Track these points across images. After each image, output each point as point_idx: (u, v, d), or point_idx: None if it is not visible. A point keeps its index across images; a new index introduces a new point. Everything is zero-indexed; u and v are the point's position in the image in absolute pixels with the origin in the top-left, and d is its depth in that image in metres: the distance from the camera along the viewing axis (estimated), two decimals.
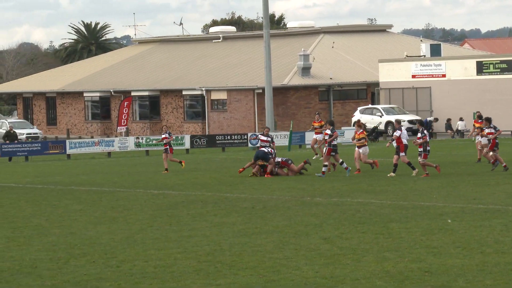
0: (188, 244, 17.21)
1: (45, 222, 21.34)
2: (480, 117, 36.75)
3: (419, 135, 29.08)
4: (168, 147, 34.18)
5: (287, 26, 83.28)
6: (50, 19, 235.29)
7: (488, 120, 30.63)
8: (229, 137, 53.79)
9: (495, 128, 30.43)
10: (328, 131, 30.33)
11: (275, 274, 13.97)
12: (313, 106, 65.06)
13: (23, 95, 75.87)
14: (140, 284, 13.49)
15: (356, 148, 31.35)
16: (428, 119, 59.15)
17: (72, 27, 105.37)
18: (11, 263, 15.60)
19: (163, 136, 34.65)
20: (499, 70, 61.34)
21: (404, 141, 29.84)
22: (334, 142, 30.25)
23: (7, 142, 50.15)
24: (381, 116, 59.79)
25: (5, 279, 14.18)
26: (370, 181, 28.42)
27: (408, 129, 59.73)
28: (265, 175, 30.85)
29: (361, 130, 31.09)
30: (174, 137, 37.39)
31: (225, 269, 14.51)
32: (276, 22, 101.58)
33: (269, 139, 32.07)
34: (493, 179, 26.83)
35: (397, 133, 29.80)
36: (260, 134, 35.78)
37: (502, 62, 61.30)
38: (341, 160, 30.52)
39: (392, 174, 29.40)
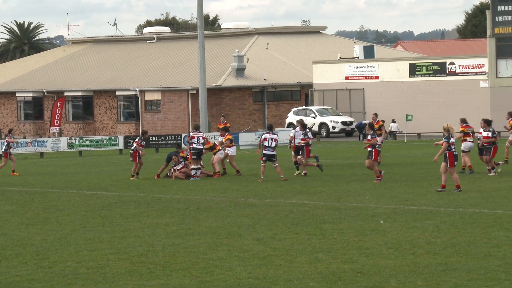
0: (121, 245, 17.26)
1: None
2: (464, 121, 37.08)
3: (368, 137, 29.30)
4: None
5: (222, 27, 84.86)
6: None
7: (488, 122, 30.05)
8: (163, 138, 54.07)
9: (493, 132, 30.04)
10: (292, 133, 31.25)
11: (209, 275, 13.99)
12: (247, 107, 66.06)
13: None
14: (73, 285, 13.48)
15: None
16: (363, 122, 60.03)
17: (5, 27, 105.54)
18: None
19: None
20: (431, 72, 62.72)
21: (298, 140, 30.53)
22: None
23: None
24: (314, 118, 60.84)
25: None
26: (304, 182, 28.64)
27: (341, 130, 61.13)
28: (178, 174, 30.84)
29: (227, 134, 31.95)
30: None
31: (158, 270, 14.49)
32: (210, 23, 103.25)
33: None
34: (425, 181, 27.18)
35: (291, 133, 30.84)
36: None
37: (434, 64, 62.71)
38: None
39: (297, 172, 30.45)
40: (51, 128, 63.28)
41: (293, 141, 31.10)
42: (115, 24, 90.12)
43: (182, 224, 20.01)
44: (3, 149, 37.70)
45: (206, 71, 54.82)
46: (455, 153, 24.88)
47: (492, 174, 29.49)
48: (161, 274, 14.19)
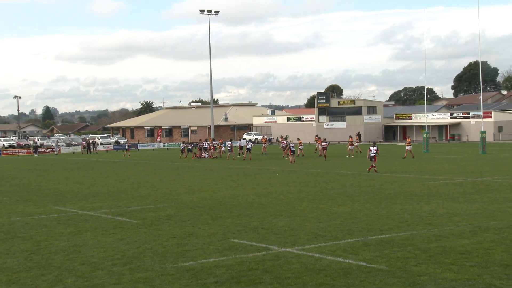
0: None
1: None
2: None
3: None
4: None
5: (219, 103, 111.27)
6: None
7: None
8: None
9: None
10: None
11: (214, 193, 18.22)
12: (228, 132, 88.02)
13: None
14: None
15: None
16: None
17: (141, 103, 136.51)
18: None
19: None
20: (297, 119, 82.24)
21: None
22: None
23: None
24: (253, 136, 77.72)
25: None
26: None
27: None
28: None
29: None
30: None
31: (199, 191, 18.02)
32: (215, 101, 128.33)
33: None
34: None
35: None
36: None
37: (296, 117, 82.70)
38: None
39: None
40: (156, 139, 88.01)
41: None
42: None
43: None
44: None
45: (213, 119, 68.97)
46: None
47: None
48: (196, 193, 17.56)
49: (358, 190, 19.76)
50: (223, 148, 41.85)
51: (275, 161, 35.23)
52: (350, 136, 43.06)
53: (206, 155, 38.91)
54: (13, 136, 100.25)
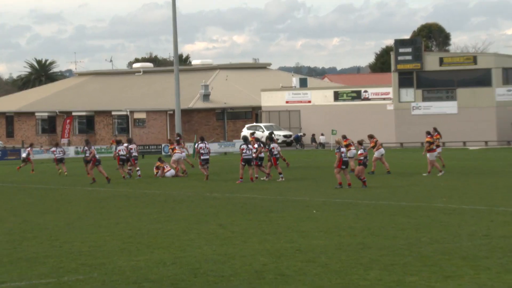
0: (115, 229, 21.54)
1: (3, 212, 27.12)
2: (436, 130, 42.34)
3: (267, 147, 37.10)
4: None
5: (192, 63, 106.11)
6: (11, 56, 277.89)
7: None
8: (147, 147, 67.72)
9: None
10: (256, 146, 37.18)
11: (182, 252, 17.83)
12: (211, 124, 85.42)
13: None
14: (78, 260, 17.22)
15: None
16: (299, 134, 77.15)
17: (27, 63, 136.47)
18: None
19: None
20: (350, 98, 77.06)
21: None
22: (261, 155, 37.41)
23: None
24: (263, 132, 76.87)
25: None
26: (256, 181, 36.22)
27: (283, 141, 75.30)
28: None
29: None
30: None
31: (144, 248, 18.43)
32: (183, 60, 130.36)
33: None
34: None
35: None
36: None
37: (352, 91, 77.66)
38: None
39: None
40: (61, 139, 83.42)
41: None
42: (111, 61, 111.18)
43: (162, 213, 25.19)
44: (25, 155, 48.38)
45: (180, 97, 68.99)
46: (344, 159, 31.63)
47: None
48: (146, 251, 17.97)
49: (483, 245, 18.25)
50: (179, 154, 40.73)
51: (314, 183, 33.46)
52: (429, 133, 38.50)
53: (167, 172, 39.69)
54: None
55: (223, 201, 28.87)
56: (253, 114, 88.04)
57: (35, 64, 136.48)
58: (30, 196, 32.85)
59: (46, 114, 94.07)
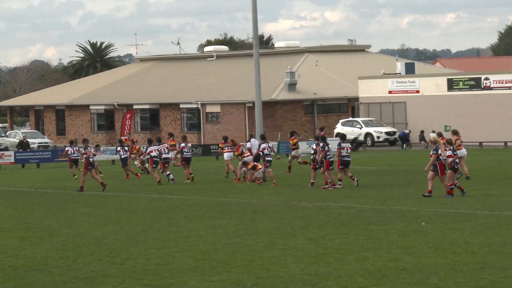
0: (185, 244, 22.20)
1: (55, 223, 27.85)
2: (455, 132, 41.70)
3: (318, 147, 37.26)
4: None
5: (275, 46, 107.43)
6: (61, 39, 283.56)
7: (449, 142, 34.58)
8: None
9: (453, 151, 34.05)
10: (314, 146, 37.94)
11: (265, 271, 18.28)
12: (298, 118, 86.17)
13: (34, 107, 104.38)
14: (142, 280, 17.64)
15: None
16: (405, 131, 76.86)
17: (80, 46, 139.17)
18: (25, 261, 20.36)
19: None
20: (468, 86, 77.27)
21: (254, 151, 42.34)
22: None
23: (20, 150, 64.88)
24: (360, 128, 78.96)
25: (19, 275, 18.70)
26: (351, 187, 36.75)
27: (385, 140, 77.72)
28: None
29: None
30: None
31: (220, 266, 18.91)
32: (265, 42, 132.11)
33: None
34: (462, 186, 33.21)
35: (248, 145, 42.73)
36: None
37: (470, 79, 77.73)
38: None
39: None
40: (121, 138, 79.17)
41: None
42: (178, 43, 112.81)
43: (241, 225, 25.91)
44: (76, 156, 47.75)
45: (261, 86, 68.44)
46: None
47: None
48: (222, 270, 18.40)
49: None
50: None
51: (423, 191, 32.89)
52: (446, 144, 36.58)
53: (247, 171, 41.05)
54: None
55: (313, 211, 29.31)
56: (348, 106, 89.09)
57: (89, 48, 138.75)
58: (85, 205, 33.64)
59: (102, 107, 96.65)
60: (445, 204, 29.71)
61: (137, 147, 50.56)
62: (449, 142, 33.18)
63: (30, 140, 72.78)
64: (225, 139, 45.56)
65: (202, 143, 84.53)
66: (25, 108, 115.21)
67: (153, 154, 42.07)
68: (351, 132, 76.91)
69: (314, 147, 37.09)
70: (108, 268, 18.96)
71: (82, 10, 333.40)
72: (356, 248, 20.67)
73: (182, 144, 43.52)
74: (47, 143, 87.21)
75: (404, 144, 74.93)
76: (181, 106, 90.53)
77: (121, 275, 18.13)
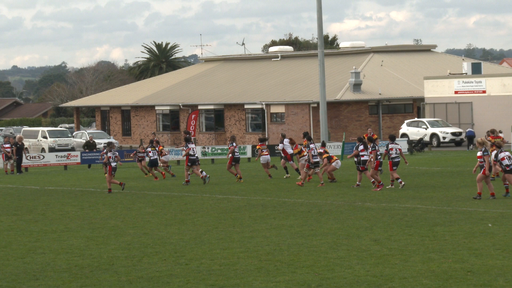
0: (250, 244, 22.35)
1: (121, 223, 28.25)
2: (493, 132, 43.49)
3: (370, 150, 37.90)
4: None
5: (340, 46, 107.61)
6: (127, 40, 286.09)
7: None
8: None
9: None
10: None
11: (330, 272, 18.24)
12: (363, 119, 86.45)
13: (101, 108, 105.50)
14: (207, 281, 17.91)
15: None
16: (472, 130, 75.75)
17: (145, 47, 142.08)
18: (91, 260, 20.86)
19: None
20: None
21: (290, 150, 43.84)
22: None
23: (87, 150, 64.61)
24: (426, 129, 78.67)
25: (85, 274, 19.05)
26: (417, 188, 37.12)
27: (451, 141, 77.42)
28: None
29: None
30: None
31: (284, 267, 19.00)
32: (329, 43, 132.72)
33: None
34: None
35: (280, 146, 44.14)
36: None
37: None
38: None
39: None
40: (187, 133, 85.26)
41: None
42: (243, 44, 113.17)
43: (305, 225, 25.95)
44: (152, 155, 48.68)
45: (326, 86, 70.55)
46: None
47: None
48: (286, 271, 18.51)
49: None
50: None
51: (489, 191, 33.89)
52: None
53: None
54: None
55: (378, 212, 29.29)
56: (414, 107, 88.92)
57: (154, 48, 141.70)
58: (150, 205, 33.93)
59: (167, 108, 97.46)
60: None
61: (161, 147, 50.72)
62: (497, 145, 32.77)
63: (96, 141, 71.58)
64: (262, 140, 46.10)
65: (266, 143, 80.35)
66: (91, 109, 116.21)
67: (191, 152, 42.23)
68: (416, 132, 77.35)
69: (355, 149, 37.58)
70: (173, 268, 19.13)
71: (148, 11, 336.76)
72: (421, 249, 20.56)
73: (190, 145, 43.19)
74: (112, 142, 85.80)
75: (471, 145, 73.67)
76: (245, 106, 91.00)
77: (186, 275, 18.29)
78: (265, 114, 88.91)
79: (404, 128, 78.85)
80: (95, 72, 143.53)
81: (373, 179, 36.96)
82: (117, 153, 40.79)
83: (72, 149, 78.94)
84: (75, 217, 30.43)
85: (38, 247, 23.40)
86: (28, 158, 60.90)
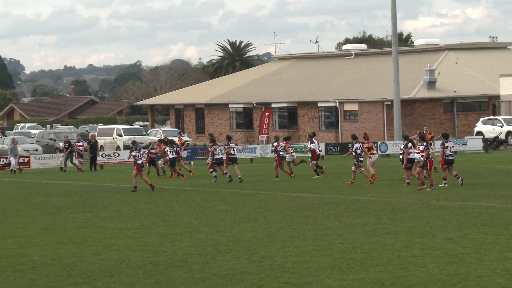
0: (323, 242, 22.47)
1: (195, 220, 28.82)
2: None
3: (421, 148, 37.47)
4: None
5: (414, 44, 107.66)
6: (201, 38, 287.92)
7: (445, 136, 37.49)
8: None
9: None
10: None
11: (403, 271, 18.27)
12: (438, 117, 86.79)
13: (175, 106, 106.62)
14: (280, 278, 18.08)
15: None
16: None
17: (219, 45, 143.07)
18: (165, 257, 21.24)
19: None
20: None
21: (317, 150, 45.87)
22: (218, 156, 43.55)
23: None
24: (501, 127, 77.95)
25: (160, 271, 19.42)
26: (492, 186, 37.22)
27: None
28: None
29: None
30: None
31: (357, 265, 19.02)
32: (404, 40, 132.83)
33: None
34: None
35: (312, 146, 45.10)
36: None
37: None
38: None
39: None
40: (259, 136, 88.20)
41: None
42: (317, 42, 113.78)
43: (379, 224, 26.00)
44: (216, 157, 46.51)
45: (400, 84, 71.65)
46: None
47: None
48: (359, 269, 18.54)
49: None
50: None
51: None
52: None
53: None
54: None
55: (452, 210, 29.23)
56: (489, 105, 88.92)
57: (228, 47, 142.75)
58: (224, 203, 34.31)
59: (241, 106, 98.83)
60: None
61: (182, 140, 51.89)
62: None
63: (171, 139, 70.92)
64: (287, 139, 46.43)
65: (339, 141, 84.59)
66: (166, 107, 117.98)
67: (231, 151, 43.54)
68: (491, 130, 77.02)
69: (402, 147, 37.27)
70: (247, 265, 19.33)
71: (222, 9, 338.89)
72: (496, 248, 20.48)
73: (275, 144, 44.14)
74: (187, 141, 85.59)
75: None
76: (319, 104, 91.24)
77: (259, 272, 18.46)
78: (339, 112, 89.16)
79: (479, 126, 78.22)
80: (169, 70, 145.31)
81: (418, 177, 36.44)
82: (142, 150, 41.15)
83: (147, 147, 78.45)
84: (149, 214, 30.79)
85: (113, 244, 23.79)
86: (103, 156, 62.55)
